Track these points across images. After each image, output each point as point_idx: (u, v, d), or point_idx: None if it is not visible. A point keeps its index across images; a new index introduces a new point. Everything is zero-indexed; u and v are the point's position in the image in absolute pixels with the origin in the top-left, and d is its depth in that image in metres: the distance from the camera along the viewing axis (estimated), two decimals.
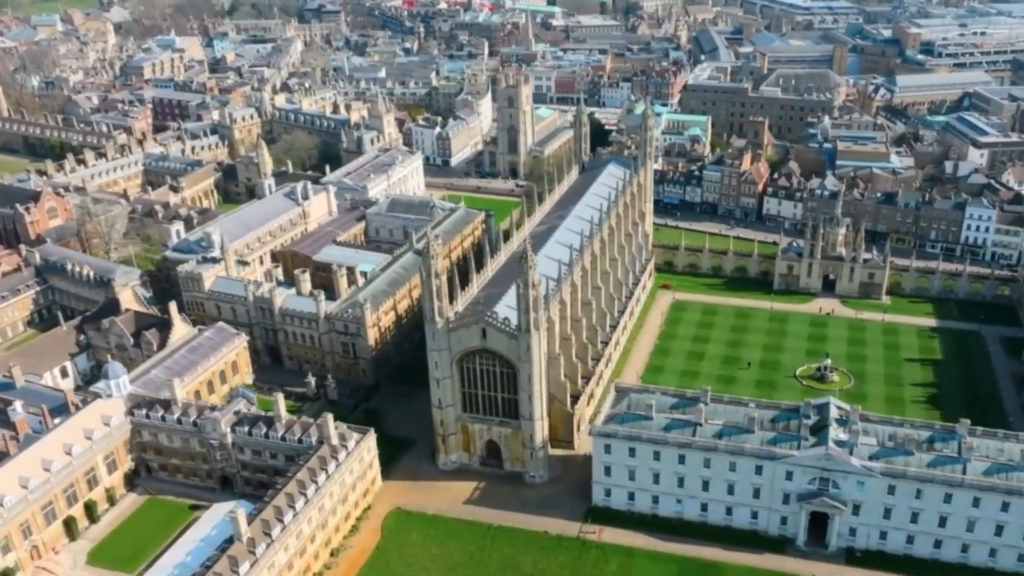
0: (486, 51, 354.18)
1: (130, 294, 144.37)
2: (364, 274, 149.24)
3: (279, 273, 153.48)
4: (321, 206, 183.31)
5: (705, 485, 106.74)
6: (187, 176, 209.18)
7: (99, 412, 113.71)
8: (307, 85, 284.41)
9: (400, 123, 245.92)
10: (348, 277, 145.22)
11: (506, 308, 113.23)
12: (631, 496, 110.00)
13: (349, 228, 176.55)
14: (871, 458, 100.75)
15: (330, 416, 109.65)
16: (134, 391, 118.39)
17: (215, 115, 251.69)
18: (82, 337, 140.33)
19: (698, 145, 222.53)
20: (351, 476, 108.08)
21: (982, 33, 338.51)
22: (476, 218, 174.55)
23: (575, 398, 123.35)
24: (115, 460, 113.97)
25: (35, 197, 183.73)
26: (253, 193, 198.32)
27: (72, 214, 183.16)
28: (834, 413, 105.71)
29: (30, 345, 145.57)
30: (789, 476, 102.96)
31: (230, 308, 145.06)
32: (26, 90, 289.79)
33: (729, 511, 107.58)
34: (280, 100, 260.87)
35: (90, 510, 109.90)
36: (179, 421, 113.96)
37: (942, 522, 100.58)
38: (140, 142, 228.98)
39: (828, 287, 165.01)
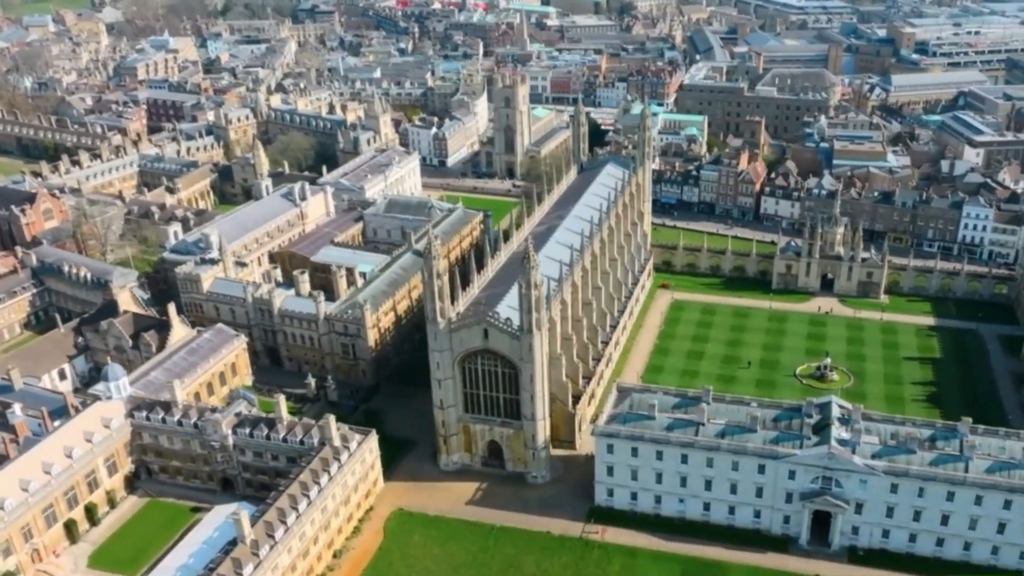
0: (481, 51, 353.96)
1: (128, 296, 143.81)
2: (363, 275, 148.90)
3: (278, 274, 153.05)
4: (319, 207, 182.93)
5: (708, 484, 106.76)
6: (183, 177, 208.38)
7: (99, 414, 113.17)
8: (302, 86, 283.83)
9: (396, 123, 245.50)
10: (347, 278, 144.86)
11: (508, 308, 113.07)
12: (634, 496, 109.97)
13: (347, 229, 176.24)
14: (873, 457, 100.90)
15: (332, 417, 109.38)
16: (134, 393, 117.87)
17: (210, 116, 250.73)
18: (80, 339, 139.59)
19: (695, 145, 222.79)
20: (353, 477, 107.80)
21: (976, 32, 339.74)
22: (474, 218, 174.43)
23: (576, 398, 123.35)
24: (115, 462, 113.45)
25: (30, 199, 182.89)
26: (249, 194, 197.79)
27: (68, 216, 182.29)
28: (836, 412, 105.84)
29: (27, 347, 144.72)
30: (792, 475, 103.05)
31: (229, 309, 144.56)
32: (19, 91, 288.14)
33: (732, 510, 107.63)
34: (275, 101, 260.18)
35: (91, 513, 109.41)
36: (180, 423, 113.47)
37: (944, 520, 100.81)
38: (135, 143, 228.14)
39: (826, 286, 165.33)
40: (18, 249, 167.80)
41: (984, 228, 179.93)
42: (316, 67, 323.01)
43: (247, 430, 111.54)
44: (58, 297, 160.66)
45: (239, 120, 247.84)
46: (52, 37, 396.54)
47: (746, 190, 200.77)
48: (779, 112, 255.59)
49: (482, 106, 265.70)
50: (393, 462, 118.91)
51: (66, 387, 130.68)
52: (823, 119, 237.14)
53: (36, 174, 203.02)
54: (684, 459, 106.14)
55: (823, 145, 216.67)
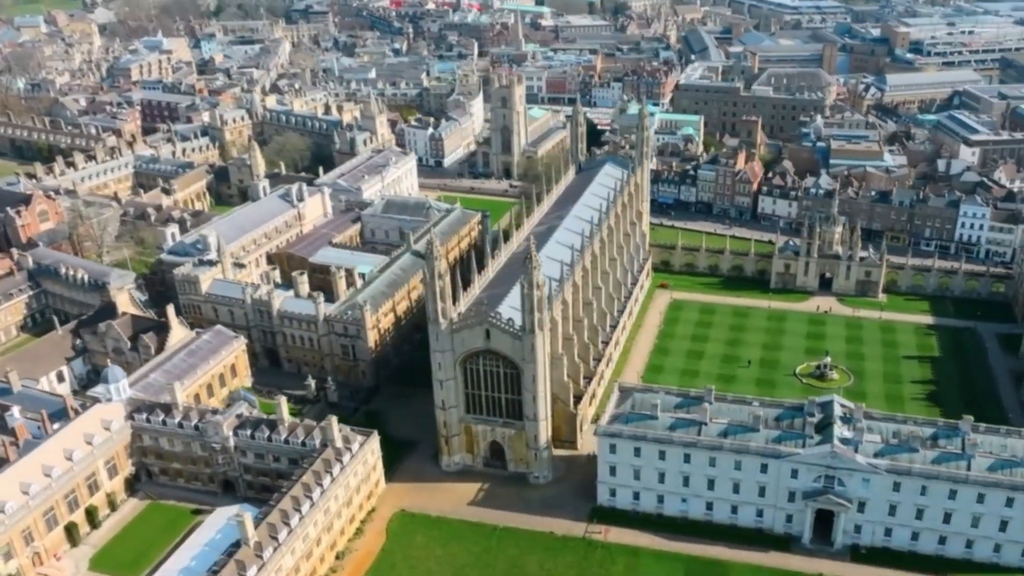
0: (475, 52, 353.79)
1: (126, 297, 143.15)
2: (362, 276, 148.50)
3: (276, 275, 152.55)
4: (316, 208, 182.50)
5: (710, 484, 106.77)
6: (178, 178, 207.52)
7: (99, 417, 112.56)
8: (297, 86, 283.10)
9: (392, 124, 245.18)
10: (346, 279, 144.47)
11: (509, 309, 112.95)
12: (636, 496, 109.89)
13: (345, 230, 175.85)
14: (876, 455, 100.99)
15: (334, 418, 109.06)
16: (134, 395, 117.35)
17: (205, 117, 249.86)
18: (78, 341, 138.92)
19: (691, 145, 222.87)
20: (355, 479, 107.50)
21: (970, 32, 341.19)
22: (472, 219, 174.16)
23: (578, 398, 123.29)
24: (116, 465, 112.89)
25: (26, 200, 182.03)
26: (246, 195, 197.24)
27: (63, 217, 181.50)
28: (838, 411, 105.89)
29: (25, 350, 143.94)
30: (794, 474, 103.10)
31: (227, 311, 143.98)
32: (11, 92, 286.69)
33: (734, 510, 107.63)
34: (271, 101, 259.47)
35: (91, 515, 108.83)
36: (180, 425, 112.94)
37: (947, 518, 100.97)
38: (129, 144, 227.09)
39: (825, 285, 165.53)
40: (14, 251, 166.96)
41: (981, 227, 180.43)
42: (311, 68, 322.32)
43: (248, 432, 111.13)
44: (55, 299, 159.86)
45: (234, 121, 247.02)
46: (44, 38, 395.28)
47: (743, 190, 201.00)
48: (775, 112, 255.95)
49: (478, 106, 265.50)
50: (394, 463, 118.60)
51: (65, 389, 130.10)
52: (819, 119, 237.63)
53: (31, 176, 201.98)
54: (687, 459, 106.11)
55: (820, 145, 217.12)
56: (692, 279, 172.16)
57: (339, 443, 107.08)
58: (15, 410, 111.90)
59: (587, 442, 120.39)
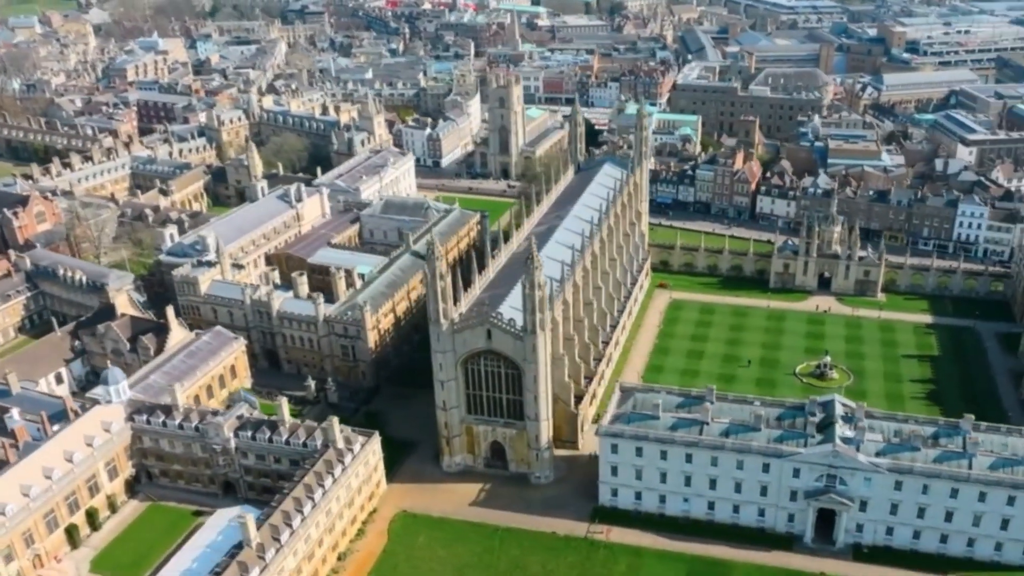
0: (472, 52, 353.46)
1: (125, 299, 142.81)
2: (362, 276, 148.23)
3: (275, 276, 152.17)
4: (314, 208, 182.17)
5: (712, 484, 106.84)
6: (176, 179, 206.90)
7: (99, 418, 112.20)
8: (294, 87, 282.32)
9: (390, 124, 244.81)
10: (346, 279, 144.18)
11: (510, 309, 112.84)
12: (638, 496, 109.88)
13: (343, 230, 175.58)
14: (878, 454, 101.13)
15: (335, 419, 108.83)
16: (133, 396, 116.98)
17: (202, 117, 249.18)
18: (77, 343, 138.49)
19: (689, 144, 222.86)
20: (357, 479, 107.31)
21: (966, 31, 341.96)
22: (471, 219, 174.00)
23: (579, 398, 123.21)
24: (116, 467, 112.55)
25: (23, 201, 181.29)
26: (243, 196, 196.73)
27: (61, 218, 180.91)
28: (840, 410, 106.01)
29: (23, 351, 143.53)
30: (796, 473, 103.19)
31: (227, 312, 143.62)
32: (7, 93, 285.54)
33: (736, 509, 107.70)
34: (268, 102, 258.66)
35: (92, 517, 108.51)
36: (181, 426, 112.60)
37: (948, 517, 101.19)
38: (126, 145, 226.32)
39: (824, 285, 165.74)
40: (11, 252, 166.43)
41: (979, 226, 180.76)
42: (307, 68, 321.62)
43: (249, 433, 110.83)
44: (53, 300, 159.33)
45: (231, 121, 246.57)
46: (39, 39, 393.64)
47: (742, 189, 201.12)
48: (773, 111, 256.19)
49: (475, 107, 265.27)
50: (395, 464, 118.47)
51: (63, 391, 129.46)
52: (817, 118, 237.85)
53: (27, 177, 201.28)
54: (688, 458, 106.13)
55: (818, 144, 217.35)
56: (691, 279, 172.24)
57: (340, 444, 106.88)
58: (15, 412, 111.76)
59: (588, 442, 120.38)
